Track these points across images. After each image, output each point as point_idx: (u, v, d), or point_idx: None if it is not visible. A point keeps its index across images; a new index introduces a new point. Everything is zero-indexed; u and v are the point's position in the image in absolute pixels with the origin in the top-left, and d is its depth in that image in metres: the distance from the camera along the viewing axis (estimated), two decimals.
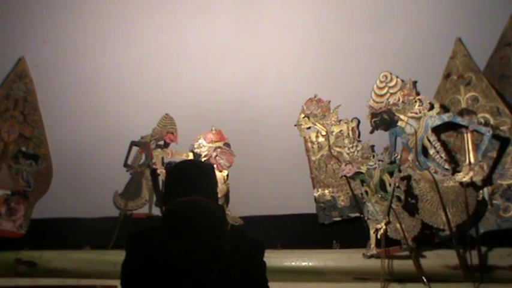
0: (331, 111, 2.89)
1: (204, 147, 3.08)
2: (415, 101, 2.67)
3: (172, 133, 3.22)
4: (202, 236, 1.53)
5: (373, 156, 2.74)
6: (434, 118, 2.63)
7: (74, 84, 3.35)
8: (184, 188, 1.78)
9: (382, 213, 2.65)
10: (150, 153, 3.20)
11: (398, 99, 2.71)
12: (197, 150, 3.09)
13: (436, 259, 2.60)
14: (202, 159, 3.05)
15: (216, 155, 3.06)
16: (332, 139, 2.86)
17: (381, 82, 2.76)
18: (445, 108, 2.72)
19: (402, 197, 2.64)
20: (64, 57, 3.36)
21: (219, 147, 3.08)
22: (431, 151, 2.62)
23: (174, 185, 1.85)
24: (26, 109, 3.39)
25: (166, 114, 3.25)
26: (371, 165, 2.72)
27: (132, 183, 3.21)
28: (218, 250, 1.56)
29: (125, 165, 3.22)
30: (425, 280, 2.52)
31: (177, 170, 1.93)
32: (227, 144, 3.11)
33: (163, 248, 1.53)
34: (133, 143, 3.25)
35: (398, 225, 2.62)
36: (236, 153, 3.12)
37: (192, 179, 1.84)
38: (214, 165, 2.90)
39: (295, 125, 2.94)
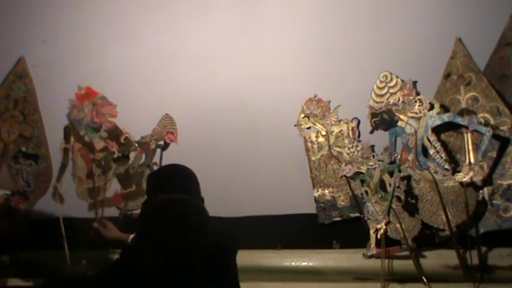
0: (331, 111, 2.89)
1: (81, 110, 2.96)
2: (415, 101, 2.68)
3: (173, 133, 3.22)
4: (191, 231, 1.51)
5: (373, 156, 2.75)
6: (434, 118, 2.63)
7: (74, 84, 3.35)
8: (169, 189, 1.79)
9: (382, 213, 2.65)
10: (150, 153, 3.21)
11: (398, 99, 2.71)
12: (76, 117, 2.95)
13: (436, 259, 2.61)
14: (86, 124, 2.93)
15: (97, 112, 2.92)
16: (332, 139, 2.86)
17: (381, 82, 2.76)
18: (445, 108, 2.72)
19: (402, 197, 2.64)
20: (64, 57, 3.35)
21: (95, 103, 2.98)
22: (431, 151, 2.63)
23: (158, 186, 1.86)
24: (26, 109, 3.39)
25: (167, 114, 3.25)
26: (371, 165, 2.73)
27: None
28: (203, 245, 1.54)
29: None
30: (425, 280, 2.53)
31: (159, 173, 1.96)
32: (103, 98, 3.01)
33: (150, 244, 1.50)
34: None
35: (398, 225, 2.62)
36: (236, 153, 3.12)
37: (176, 180, 1.86)
38: (103, 126, 2.83)
39: (295, 125, 2.94)
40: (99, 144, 3.08)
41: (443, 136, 2.71)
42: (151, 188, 1.91)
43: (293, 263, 2.81)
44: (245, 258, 2.78)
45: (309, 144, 2.92)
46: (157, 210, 1.54)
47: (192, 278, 1.50)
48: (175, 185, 1.84)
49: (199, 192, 1.96)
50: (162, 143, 3.23)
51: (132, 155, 3.12)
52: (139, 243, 1.54)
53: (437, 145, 2.62)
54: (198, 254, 1.51)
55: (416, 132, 2.65)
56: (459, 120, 2.61)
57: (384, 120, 2.74)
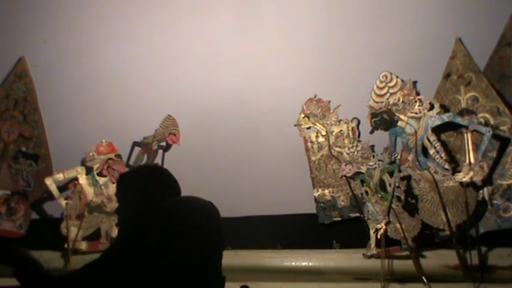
0: (331, 111, 2.89)
1: (96, 159, 3.15)
2: (415, 101, 2.68)
3: (175, 134, 3.22)
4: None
5: (373, 156, 2.75)
6: (434, 118, 2.63)
7: (74, 84, 3.35)
8: (172, 189, 1.81)
9: (382, 213, 2.65)
10: (152, 154, 3.21)
11: (398, 99, 2.71)
12: (89, 163, 3.16)
13: (436, 259, 2.60)
14: (95, 172, 3.16)
15: (108, 167, 3.14)
16: (332, 139, 2.86)
17: (381, 82, 2.76)
18: (445, 108, 2.72)
19: (402, 197, 2.64)
20: (64, 57, 3.36)
21: (111, 158, 3.16)
22: (431, 151, 2.63)
23: (149, 189, 1.85)
24: (26, 109, 3.40)
25: (169, 115, 3.25)
26: (371, 165, 2.72)
27: None
28: None
29: (127, 165, 3.22)
30: (425, 280, 2.53)
31: (146, 174, 1.96)
32: (118, 156, 3.19)
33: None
34: (135, 144, 3.25)
35: (398, 225, 2.62)
36: (236, 153, 3.12)
37: (165, 181, 1.88)
38: (109, 180, 3.12)
39: (295, 125, 2.94)
40: (98, 192, 3.15)
41: (443, 136, 2.71)
42: (150, 186, 1.89)
43: (293, 263, 2.81)
44: (245, 258, 2.79)
45: (309, 144, 2.92)
46: (180, 214, 1.61)
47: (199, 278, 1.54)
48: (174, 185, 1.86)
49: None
50: (164, 144, 3.24)
51: None
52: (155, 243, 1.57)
53: (437, 145, 2.62)
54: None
55: (416, 132, 2.64)
56: (459, 120, 2.61)
57: (384, 120, 2.74)
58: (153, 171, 1.99)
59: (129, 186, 1.89)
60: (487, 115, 2.65)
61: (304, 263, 2.79)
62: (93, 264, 1.62)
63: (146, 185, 1.85)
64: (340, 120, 2.87)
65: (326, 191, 2.85)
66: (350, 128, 2.84)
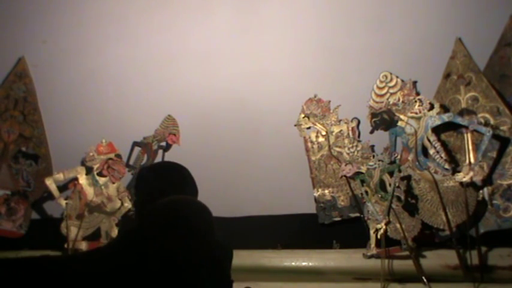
0: (331, 111, 2.89)
1: (96, 159, 3.15)
2: (415, 101, 2.67)
3: (175, 134, 3.23)
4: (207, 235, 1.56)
5: (373, 156, 2.75)
6: (434, 118, 2.63)
7: (74, 84, 3.35)
8: (173, 188, 1.79)
9: (382, 213, 2.65)
10: (152, 155, 3.21)
11: (398, 99, 2.71)
12: (89, 163, 3.16)
13: (436, 259, 2.61)
14: (95, 172, 3.15)
15: (109, 167, 3.14)
16: (332, 139, 2.86)
17: (381, 82, 2.76)
18: (445, 108, 2.72)
19: (402, 197, 2.64)
20: (64, 57, 3.36)
21: (111, 158, 3.15)
22: (431, 151, 2.62)
23: (160, 186, 1.84)
24: (26, 109, 3.40)
25: (169, 115, 3.25)
26: (371, 165, 2.73)
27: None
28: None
29: (127, 165, 3.22)
30: (425, 280, 2.53)
31: (160, 171, 1.94)
32: (118, 156, 3.18)
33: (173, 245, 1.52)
34: (135, 144, 3.25)
35: (398, 225, 2.62)
36: (236, 153, 3.12)
37: (179, 179, 1.87)
38: (109, 180, 3.12)
39: (295, 125, 2.94)
40: (98, 192, 3.15)
41: (443, 136, 2.71)
42: (153, 185, 1.88)
43: (293, 263, 2.81)
44: (245, 258, 2.79)
45: (309, 144, 2.92)
46: (171, 213, 1.58)
47: (196, 278, 1.52)
48: (180, 184, 1.86)
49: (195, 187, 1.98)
50: (164, 144, 3.24)
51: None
52: (146, 244, 1.55)
53: (437, 145, 2.62)
54: (206, 253, 1.54)
55: (416, 132, 2.64)
56: (459, 120, 2.61)
57: (384, 120, 2.74)
58: (169, 169, 1.98)
59: (144, 181, 1.90)
60: (487, 115, 2.65)
61: (304, 263, 2.80)
62: (88, 257, 1.62)
63: (160, 181, 1.85)
64: (340, 120, 2.87)
65: (326, 191, 2.85)
66: (350, 128, 2.84)
